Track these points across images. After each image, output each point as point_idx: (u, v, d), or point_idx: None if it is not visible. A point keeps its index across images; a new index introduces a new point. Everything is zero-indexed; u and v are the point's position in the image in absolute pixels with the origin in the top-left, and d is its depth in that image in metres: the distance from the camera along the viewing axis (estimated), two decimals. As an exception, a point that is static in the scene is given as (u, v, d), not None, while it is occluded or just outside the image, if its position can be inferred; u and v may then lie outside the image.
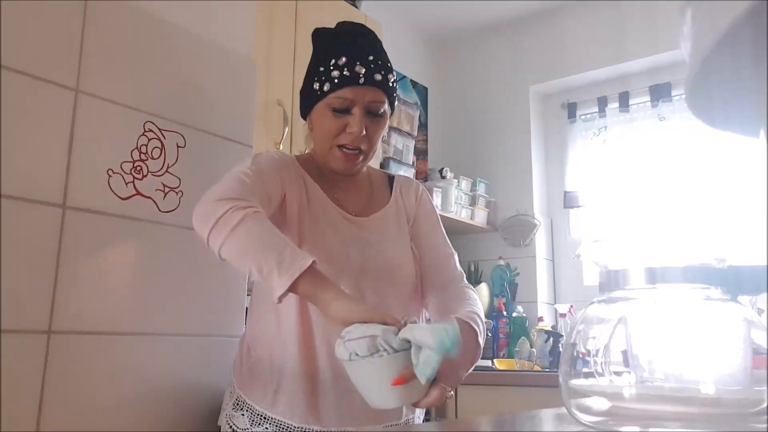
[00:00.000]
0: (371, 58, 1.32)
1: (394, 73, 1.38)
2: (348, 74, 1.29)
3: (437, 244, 1.46)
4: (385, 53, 1.37)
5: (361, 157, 1.35)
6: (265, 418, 1.27)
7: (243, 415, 1.29)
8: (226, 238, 1.13)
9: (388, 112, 1.37)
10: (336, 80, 1.29)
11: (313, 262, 1.09)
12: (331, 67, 1.30)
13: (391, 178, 1.53)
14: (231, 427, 1.30)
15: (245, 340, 1.40)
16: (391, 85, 1.35)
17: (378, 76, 1.31)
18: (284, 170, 1.34)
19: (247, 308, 1.60)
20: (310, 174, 1.39)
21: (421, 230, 1.46)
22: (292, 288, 1.08)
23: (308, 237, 1.31)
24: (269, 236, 1.14)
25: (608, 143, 3.50)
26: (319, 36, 1.40)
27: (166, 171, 1.49)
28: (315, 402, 1.27)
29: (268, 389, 1.29)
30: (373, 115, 1.33)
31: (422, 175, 3.46)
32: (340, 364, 1.08)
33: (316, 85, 1.32)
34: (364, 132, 1.31)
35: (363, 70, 1.30)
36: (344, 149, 1.33)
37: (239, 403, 1.31)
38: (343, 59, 1.30)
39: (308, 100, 1.36)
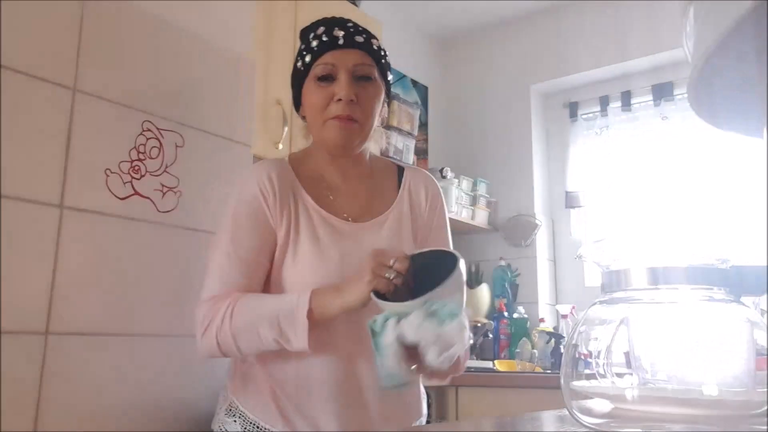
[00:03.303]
0: (350, 24, 1.30)
1: (379, 41, 1.33)
2: (326, 39, 1.27)
3: (440, 241, 1.40)
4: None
5: (356, 127, 1.27)
6: (257, 426, 1.24)
7: (235, 421, 1.26)
8: (217, 338, 1.22)
9: (380, 80, 1.31)
10: (315, 48, 1.27)
11: (309, 310, 1.17)
12: (311, 39, 1.28)
13: (401, 170, 1.44)
14: None
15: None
16: (375, 48, 1.30)
17: (359, 38, 1.28)
18: (263, 212, 1.28)
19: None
20: (304, 176, 1.33)
21: (427, 230, 1.40)
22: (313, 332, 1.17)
23: (307, 262, 1.27)
24: (256, 314, 1.21)
25: (610, 143, 3.49)
26: (302, 31, 1.37)
27: (165, 171, 1.48)
28: (310, 411, 1.24)
29: (261, 397, 1.26)
30: (363, 80, 1.27)
31: (423, 175, 3.45)
32: (337, 371, 1.23)
33: (299, 63, 1.30)
34: (354, 98, 1.25)
35: (342, 32, 1.27)
36: (337, 119, 1.26)
37: (232, 409, 1.28)
38: (321, 29, 1.29)
39: (296, 85, 1.34)
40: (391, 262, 1.11)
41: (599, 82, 3.58)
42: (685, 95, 2.86)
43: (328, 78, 1.26)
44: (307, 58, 1.28)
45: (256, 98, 1.78)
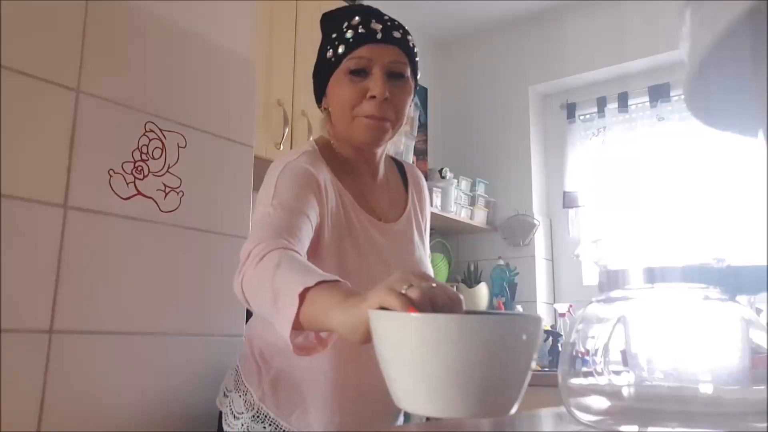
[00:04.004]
0: (386, 17, 1.23)
1: (413, 39, 1.27)
2: (363, 31, 1.19)
3: (426, 244, 1.41)
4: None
5: (387, 126, 1.22)
6: None
7: (265, 428, 1.23)
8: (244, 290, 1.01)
9: (412, 79, 1.25)
10: (351, 39, 1.19)
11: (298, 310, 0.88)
12: (344, 29, 1.20)
13: (399, 165, 1.43)
14: None
15: (258, 347, 1.29)
16: (411, 45, 1.24)
17: (397, 34, 1.22)
18: (313, 186, 1.17)
19: (251, 313, 1.60)
20: (334, 170, 1.25)
21: (424, 228, 1.41)
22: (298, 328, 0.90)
23: (352, 266, 1.18)
24: (264, 283, 0.97)
25: (607, 143, 3.50)
26: (327, 16, 1.30)
27: (167, 171, 1.49)
28: (340, 415, 1.22)
29: (295, 404, 1.23)
30: (396, 78, 1.21)
31: (422, 176, 3.46)
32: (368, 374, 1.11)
33: (330, 52, 1.22)
34: (388, 95, 1.18)
35: (380, 26, 1.20)
36: (369, 118, 1.20)
37: (260, 416, 1.23)
38: (357, 18, 1.21)
39: (323, 74, 1.25)
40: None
41: (597, 84, 3.59)
42: (682, 96, 2.87)
43: (361, 72, 1.20)
44: (340, 49, 1.20)
45: (257, 99, 1.79)
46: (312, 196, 1.14)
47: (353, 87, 1.20)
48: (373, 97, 1.18)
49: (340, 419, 1.22)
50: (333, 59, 1.22)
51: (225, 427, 1.27)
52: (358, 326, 0.75)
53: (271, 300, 0.92)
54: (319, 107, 1.32)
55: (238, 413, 1.26)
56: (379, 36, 1.19)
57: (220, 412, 1.32)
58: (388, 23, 1.23)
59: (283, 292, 0.91)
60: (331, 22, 1.27)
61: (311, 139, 1.33)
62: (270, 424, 1.22)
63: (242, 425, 1.24)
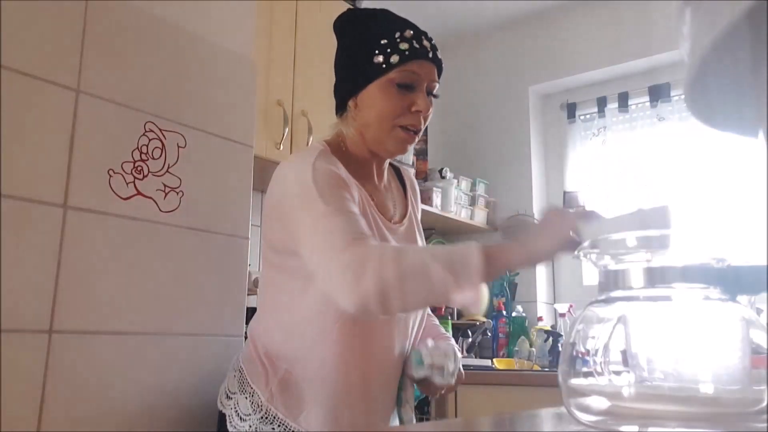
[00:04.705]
0: (430, 36, 1.30)
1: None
2: (418, 47, 1.24)
3: (424, 245, 1.49)
4: None
5: (416, 139, 1.29)
6: None
7: (273, 429, 1.25)
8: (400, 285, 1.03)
9: None
10: (406, 52, 1.23)
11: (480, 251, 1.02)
12: (398, 39, 1.24)
13: (396, 169, 1.49)
14: None
15: (263, 348, 1.31)
16: (442, 67, 1.33)
17: (439, 55, 1.29)
18: (347, 187, 1.22)
19: (250, 313, 1.60)
20: (349, 170, 1.27)
21: (421, 230, 1.48)
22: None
23: None
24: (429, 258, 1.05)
25: (607, 143, 3.50)
26: (364, 16, 1.33)
27: (167, 171, 1.49)
28: (346, 414, 1.27)
29: (303, 405, 1.26)
30: (431, 96, 1.30)
31: (422, 175, 3.46)
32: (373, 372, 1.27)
33: (380, 58, 1.23)
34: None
35: (428, 45, 1.26)
36: (406, 129, 1.26)
37: (269, 417, 1.25)
38: (410, 32, 1.25)
39: (363, 76, 1.26)
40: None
41: (597, 84, 3.59)
42: (682, 96, 2.87)
43: (408, 86, 1.25)
44: (393, 59, 1.23)
45: (257, 99, 1.79)
46: (351, 197, 1.19)
47: (401, 99, 1.25)
48: (418, 111, 1.25)
49: (345, 419, 1.26)
50: (384, 66, 1.24)
51: (230, 429, 1.27)
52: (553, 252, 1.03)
53: (444, 270, 1.00)
54: (344, 103, 1.32)
55: (245, 415, 1.27)
56: (429, 55, 1.27)
57: (222, 414, 1.32)
58: (432, 42, 1.30)
59: (455, 259, 1.01)
60: (371, 21, 1.30)
61: (321, 139, 1.34)
62: (279, 425, 1.24)
63: (250, 426, 1.25)
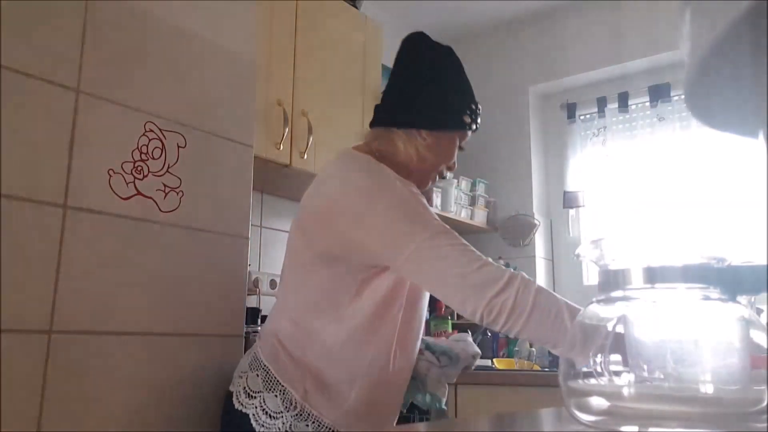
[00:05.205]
0: None
1: None
2: (478, 122, 1.50)
3: None
4: None
5: None
6: (331, 429, 1.33)
7: (308, 426, 1.31)
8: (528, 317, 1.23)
9: None
10: (474, 125, 1.49)
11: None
12: (476, 110, 1.50)
13: None
14: None
15: (292, 348, 1.37)
16: None
17: None
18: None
19: (250, 313, 1.59)
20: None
21: None
22: None
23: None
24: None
25: (607, 143, 3.50)
26: (459, 64, 1.53)
27: (167, 171, 1.49)
28: (373, 410, 1.39)
29: (338, 401, 1.34)
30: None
31: (422, 175, 3.46)
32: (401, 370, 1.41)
33: (467, 119, 1.47)
34: None
35: None
36: (439, 175, 1.50)
37: (304, 414, 1.32)
38: (475, 107, 1.51)
39: (448, 123, 1.46)
40: None
41: (597, 84, 3.59)
42: (682, 96, 2.87)
43: (460, 147, 1.50)
44: (471, 126, 1.48)
45: (257, 99, 1.79)
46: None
47: (453, 155, 1.50)
48: (453, 166, 1.52)
49: (374, 415, 1.39)
50: (464, 128, 1.48)
51: (257, 427, 1.32)
52: None
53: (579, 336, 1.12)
54: (411, 124, 1.43)
55: (276, 412, 1.32)
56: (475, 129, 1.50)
57: (242, 414, 1.34)
58: None
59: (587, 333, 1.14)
60: (466, 83, 1.53)
61: (359, 148, 1.44)
62: (313, 422, 1.32)
63: (283, 424, 1.31)
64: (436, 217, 1.32)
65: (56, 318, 1.26)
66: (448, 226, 1.30)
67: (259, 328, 1.93)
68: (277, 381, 1.34)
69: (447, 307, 2.99)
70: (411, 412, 1.64)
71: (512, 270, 1.28)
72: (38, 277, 1.24)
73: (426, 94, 1.45)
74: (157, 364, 1.43)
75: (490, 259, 1.28)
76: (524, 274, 1.28)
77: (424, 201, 1.35)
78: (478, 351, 1.55)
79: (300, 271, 1.41)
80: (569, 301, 1.24)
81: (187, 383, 1.47)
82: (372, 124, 1.49)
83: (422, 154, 1.43)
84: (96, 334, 1.32)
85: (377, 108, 1.49)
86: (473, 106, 1.48)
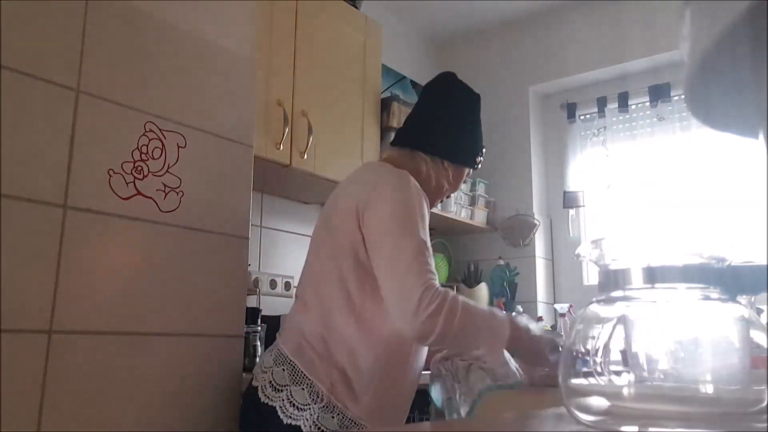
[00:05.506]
0: None
1: None
2: (481, 164, 1.72)
3: None
4: None
5: None
6: (356, 423, 1.41)
7: (333, 417, 1.40)
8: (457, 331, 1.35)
9: None
10: (480, 165, 1.71)
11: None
12: (483, 152, 1.71)
13: None
14: (318, 427, 1.38)
15: (317, 344, 1.44)
16: None
17: None
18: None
19: (250, 313, 1.59)
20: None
21: None
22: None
23: None
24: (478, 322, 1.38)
25: (607, 143, 3.50)
26: (479, 106, 1.74)
27: (167, 171, 1.49)
28: (390, 404, 1.50)
29: (360, 394, 1.43)
30: None
31: (422, 175, 3.46)
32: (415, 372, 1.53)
33: (479, 158, 1.70)
34: None
35: None
36: (442, 198, 1.70)
37: (330, 406, 1.40)
38: (484, 150, 1.71)
39: (465, 159, 1.66)
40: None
41: (597, 84, 3.59)
42: (682, 96, 2.87)
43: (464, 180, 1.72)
44: (478, 166, 1.71)
45: (257, 99, 1.79)
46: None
47: (460, 182, 1.70)
48: (456, 190, 1.73)
49: (390, 409, 1.49)
50: (475, 165, 1.70)
51: (284, 419, 1.38)
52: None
53: (487, 331, 1.37)
54: (435, 151, 1.61)
55: (303, 405, 1.40)
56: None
57: (268, 407, 1.40)
58: None
59: (494, 326, 1.38)
60: (481, 127, 1.73)
61: (398, 167, 1.54)
62: (338, 414, 1.40)
63: (311, 415, 1.39)
64: (427, 233, 1.45)
65: (56, 318, 1.26)
66: (429, 247, 1.42)
67: (259, 328, 1.93)
68: (304, 375, 1.42)
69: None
70: (411, 412, 1.63)
71: (451, 294, 1.36)
72: (38, 277, 1.24)
73: (457, 131, 1.65)
74: (157, 364, 1.43)
75: (437, 284, 1.36)
76: (460, 298, 1.37)
77: (427, 218, 1.48)
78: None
79: (323, 270, 1.48)
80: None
81: (186, 383, 1.47)
82: (395, 143, 1.64)
83: (440, 180, 1.62)
84: (96, 334, 1.32)
85: (404, 130, 1.66)
86: (483, 149, 1.71)
